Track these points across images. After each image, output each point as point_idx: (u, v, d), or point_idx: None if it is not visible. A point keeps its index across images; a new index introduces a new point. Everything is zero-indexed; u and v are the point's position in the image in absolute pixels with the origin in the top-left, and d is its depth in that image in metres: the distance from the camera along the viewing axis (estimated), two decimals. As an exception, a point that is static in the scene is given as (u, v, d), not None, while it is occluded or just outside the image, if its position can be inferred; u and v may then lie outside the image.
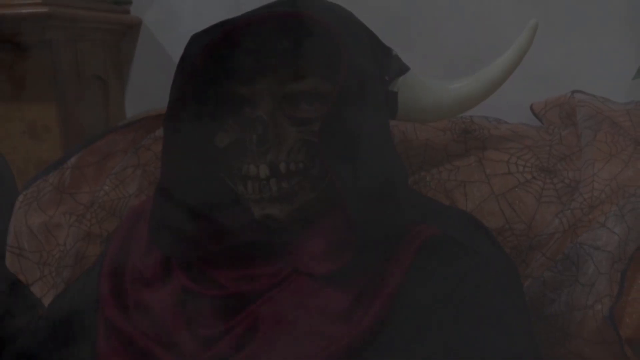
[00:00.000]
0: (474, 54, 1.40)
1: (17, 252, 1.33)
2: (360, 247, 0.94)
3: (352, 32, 1.01)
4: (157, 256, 1.06)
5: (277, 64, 0.98)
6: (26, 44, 1.47)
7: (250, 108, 0.99)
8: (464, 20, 1.53)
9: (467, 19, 1.52)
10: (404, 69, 1.11)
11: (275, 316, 0.96)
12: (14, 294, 1.36)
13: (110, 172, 1.35)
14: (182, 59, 1.01)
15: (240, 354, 0.95)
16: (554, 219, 1.14)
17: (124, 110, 1.75)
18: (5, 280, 1.33)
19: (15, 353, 1.13)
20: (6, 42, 1.48)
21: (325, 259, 0.97)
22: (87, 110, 1.62)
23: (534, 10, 1.48)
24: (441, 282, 0.95)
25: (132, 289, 1.05)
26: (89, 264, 1.26)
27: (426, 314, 0.93)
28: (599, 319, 1.04)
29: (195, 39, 1.01)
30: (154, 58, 1.72)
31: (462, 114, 1.19)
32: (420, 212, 1.03)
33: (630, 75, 1.41)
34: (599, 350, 1.04)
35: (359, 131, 0.96)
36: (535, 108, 1.35)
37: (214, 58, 0.99)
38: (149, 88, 1.71)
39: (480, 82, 1.15)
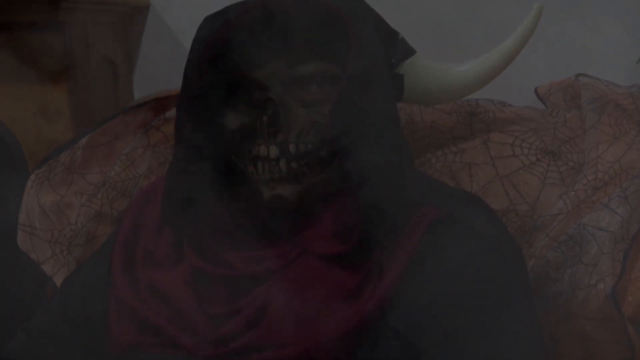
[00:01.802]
0: (479, 37, 1.41)
1: (28, 231, 1.34)
2: (368, 227, 0.96)
3: (360, 14, 1.02)
4: (168, 236, 1.08)
5: (287, 47, 0.99)
6: (39, 26, 1.47)
7: (260, 90, 1.00)
8: (469, 4, 1.53)
9: (472, 2, 1.53)
10: (410, 52, 1.12)
11: (285, 296, 0.97)
12: (24, 272, 1.37)
13: (121, 153, 1.36)
14: (195, 40, 1.02)
15: (251, 333, 0.97)
16: (557, 200, 1.16)
17: (132, 91, 1.76)
18: (16, 259, 1.35)
19: (27, 332, 1.14)
20: (19, 24, 1.48)
21: (333, 239, 0.99)
22: (97, 92, 1.62)
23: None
24: (447, 262, 0.96)
25: (144, 269, 1.07)
26: (100, 243, 1.27)
27: (432, 294, 0.95)
28: (601, 298, 1.05)
29: (208, 21, 1.02)
30: (162, 40, 1.71)
31: (467, 96, 1.20)
32: (426, 194, 1.04)
33: (634, 59, 1.41)
34: (601, 328, 1.06)
35: (368, 113, 0.97)
36: (540, 91, 1.35)
37: (225, 41, 1.00)
38: (156, 70, 1.71)
39: (485, 65, 1.16)
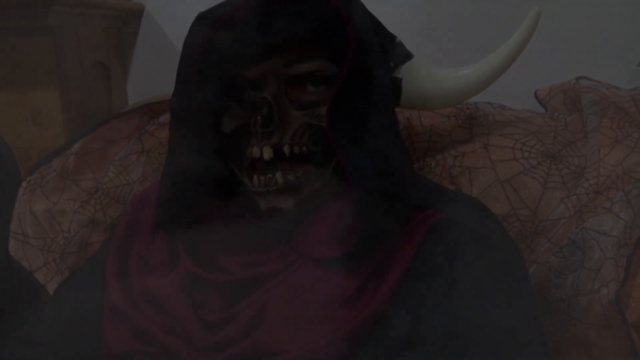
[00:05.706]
0: (478, 41, 1.40)
1: (20, 239, 1.33)
2: (367, 231, 0.95)
3: (359, 15, 1.01)
4: (163, 242, 1.06)
5: (282, 45, 0.97)
6: (29, 30, 1.46)
7: (255, 90, 0.99)
8: (467, 8, 1.52)
9: (470, 5, 1.52)
10: (408, 56, 1.10)
11: (282, 301, 0.96)
12: (17, 281, 1.35)
13: (114, 159, 1.35)
14: (187, 38, 1.01)
15: (247, 339, 0.95)
16: (559, 204, 1.14)
17: (126, 96, 1.75)
18: (9, 267, 1.33)
19: (20, 342, 1.12)
20: (9, 28, 1.46)
21: (331, 244, 0.97)
22: (90, 97, 1.61)
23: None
24: (448, 267, 0.94)
25: (138, 275, 1.05)
26: (94, 250, 1.26)
27: (432, 299, 0.93)
28: (604, 303, 1.04)
29: (200, 18, 1.00)
30: (156, 44, 1.71)
31: (466, 100, 1.18)
32: (426, 197, 1.02)
33: (635, 62, 1.40)
34: (604, 334, 1.04)
35: (367, 114, 0.96)
36: (540, 94, 1.35)
37: (218, 38, 0.99)
38: (151, 74, 1.70)
39: (484, 69, 1.14)
